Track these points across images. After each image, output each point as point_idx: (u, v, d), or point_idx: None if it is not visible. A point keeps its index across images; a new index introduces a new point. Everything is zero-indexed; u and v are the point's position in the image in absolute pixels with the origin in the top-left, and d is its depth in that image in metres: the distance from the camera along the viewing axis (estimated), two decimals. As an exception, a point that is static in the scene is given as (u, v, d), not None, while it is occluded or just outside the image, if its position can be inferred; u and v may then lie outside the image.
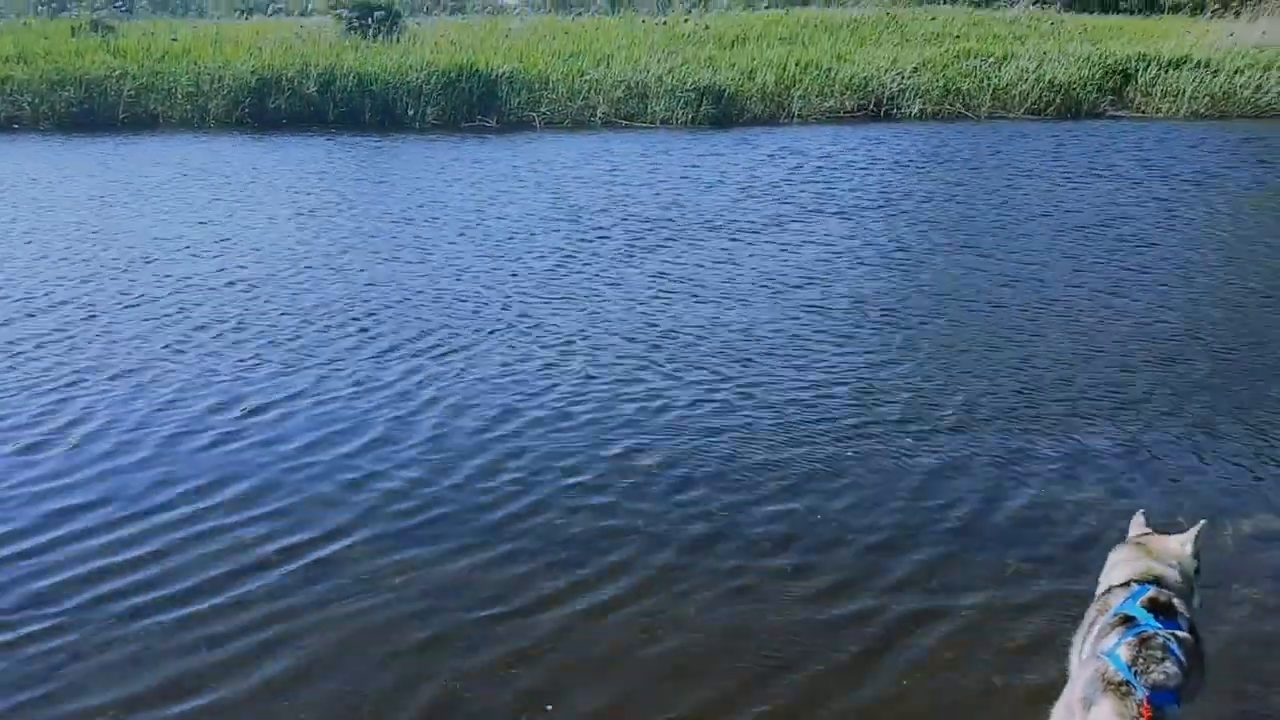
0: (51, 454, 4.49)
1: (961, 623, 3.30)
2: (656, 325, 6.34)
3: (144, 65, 15.71)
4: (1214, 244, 8.53)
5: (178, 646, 3.17)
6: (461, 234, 8.79)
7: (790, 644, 3.19)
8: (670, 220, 9.25)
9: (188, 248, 8.23)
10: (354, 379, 5.39)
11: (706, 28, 20.69)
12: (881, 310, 6.63)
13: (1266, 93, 17.43)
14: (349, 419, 4.87)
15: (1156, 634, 2.28)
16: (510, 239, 8.61)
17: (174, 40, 17.39)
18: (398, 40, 17.98)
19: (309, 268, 7.65)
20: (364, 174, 11.78)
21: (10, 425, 4.80)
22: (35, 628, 3.26)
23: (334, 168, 12.16)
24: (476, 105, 15.80)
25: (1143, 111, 17.55)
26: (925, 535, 3.85)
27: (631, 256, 8.02)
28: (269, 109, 15.41)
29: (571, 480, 4.25)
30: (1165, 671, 2.21)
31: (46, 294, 6.91)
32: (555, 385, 5.31)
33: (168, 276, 7.38)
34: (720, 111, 15.82)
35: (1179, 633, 2.32)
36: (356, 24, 18.28)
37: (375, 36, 17.80)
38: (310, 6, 28.03)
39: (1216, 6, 24.94)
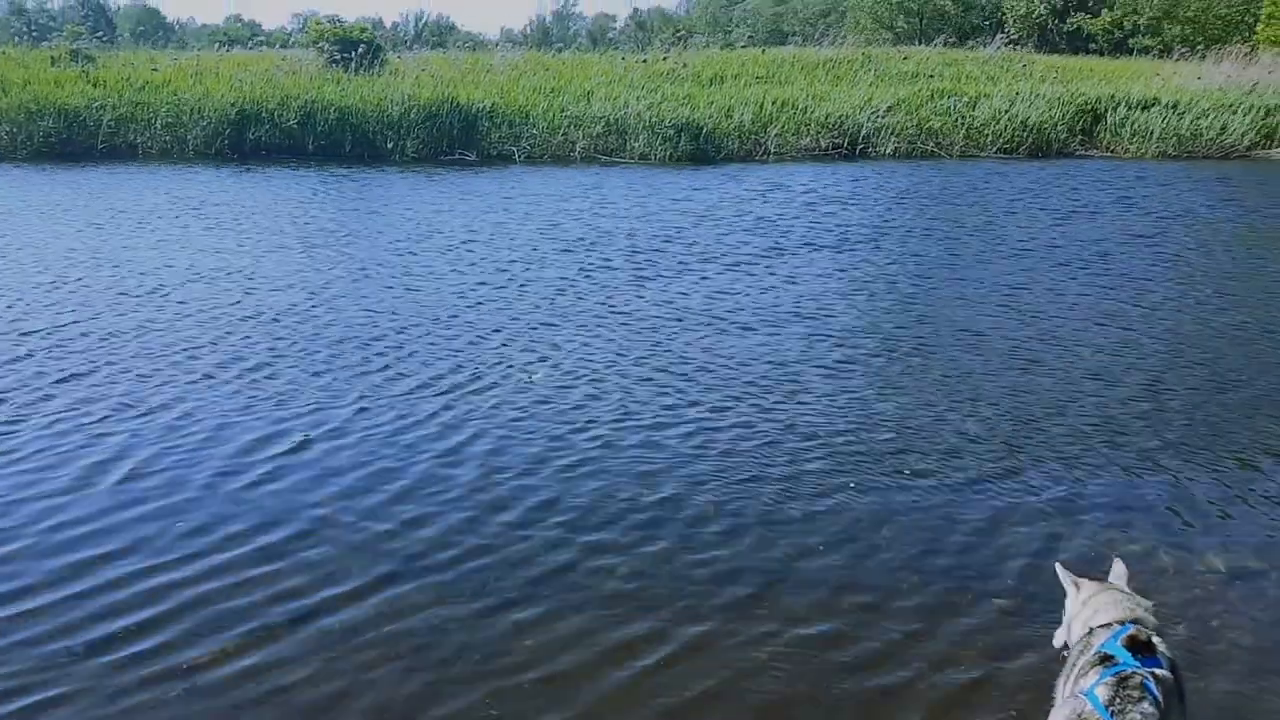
0: (82, 496, 4.32)
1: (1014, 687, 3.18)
2: (684, 358, 6.37)
3: (124, 96, 15.91)
4: (1197, 279, 8.77)
5: (204, 711, 3.03)
6: (471, 264, 8.86)
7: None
8: (672, 252, 9.45)
9: (199, 278, 8.17)
10: (391, 415, 5.28)
11: (685, 66, 21.17)
12: (914, 344, 6.75)
13: (1231, 133, 18.07)
14: (389, 458, 4.76)
15: (1135, 673, 2.30)
16: (520, 270, 8.68)
17: (154, 71, 17.61)
18: (379, 74, 18.27)
19: (326, 298, 7.63)
20: (357, 205, 11.94)
21: (38, 467, 4.59)
22: (60, 690, 3.10)
23: (326, 199, 12.32)
24: (457, 139, 16.09)
25: (1112, 151, 18.14)
26: (975, 594, 3.74)
27: (640, 287, 8.14)
28: (248, 140, 15.61)
29: (613, 530, 4.13)
30: (1142, 712, 2.21)
31: (67, 325, 6.81)
32: (593, 421, 5.24)
33: (186, 307, 7.30)
34: (698, 148, 16.19)
35: (1158, 670, 2.33)
36: (338, 57, 18.57)
37: (357, 70, 18.09)
38: (292, 40, 28.35)
39: (1184, 50, 25.80)
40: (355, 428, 5.12)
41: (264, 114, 15.70)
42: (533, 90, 17.78)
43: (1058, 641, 2.81)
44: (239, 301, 7.52)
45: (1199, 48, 25.69)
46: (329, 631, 3.41)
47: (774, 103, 17.45)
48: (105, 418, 5.18)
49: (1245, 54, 22.91)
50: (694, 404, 5.60)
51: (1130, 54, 30.71)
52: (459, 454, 4.85)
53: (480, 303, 7.64)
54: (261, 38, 27.75)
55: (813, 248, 9.91)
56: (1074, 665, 2.52)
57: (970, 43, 29.13)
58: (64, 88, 15.99)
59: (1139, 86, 20.21)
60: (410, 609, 3.55)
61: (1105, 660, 2.38)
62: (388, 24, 62.52)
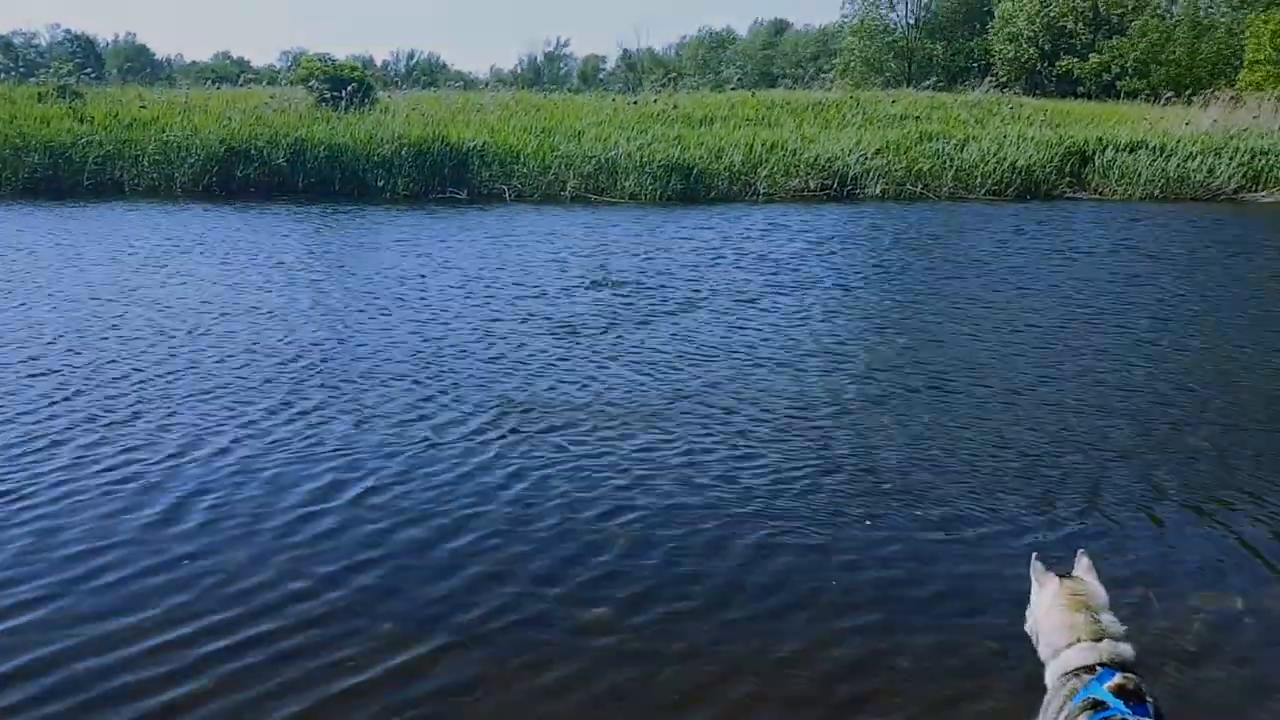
0: (147, 548, 4.20)
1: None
2: (735, 394, 6.44)
3: (111, 132, 16.09)
4: (1193, 319, 8.91)
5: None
6: (488, 300, 8.96)
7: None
8: (687, 289, 9.65)
9: (229, 315, 8.17)
10: (456, 457, 5.22)
11: (675, 107, 21.55)
12: (924, 380, 6.83)
13: (1217, 176, 18.48)
14: (457, 505, 4.67)
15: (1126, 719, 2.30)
16: (540, 305, 8.80)
17: (142, 108, 17.82)
18: (369, 112, 18.54)
19: (357, 333, 7.63)
20: (361, 241, 12.07)
21: (99, 515, 4.45)
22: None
23: (326, 236, 12.45)
24: (448, 177, 16.31)
25: (1100, 193, 18.49)
26: (963, 634, 3.73)
27: (654, 323, 8.30)
28: (237, 178, 15.77)
29: (679, 595, 3.97)
30: None
31: (112, 364, 6.75)
32: (659, 468, 5.15)
33: (229, 347, 7.27)
34: (689, 188, 16.46)
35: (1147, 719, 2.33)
36: (328, 95, 18.85)
37: (347, 108, 18.36)
38: (281, 77, 28.72)
39: (1170, 95, 26.45)
40: (417, 474, 5.04)
41: (253, 151, 15.89)
42: (523, 130, 18.07)
43: (1030, 628, 2.78)
44: (283, 340, 7.50)
45: (1185, 91, 26.33)
46: (391, 708, 3.25)
47: (764, 144, 17.77)
48: (165, 462, 5.11)
49: (1231, 99, 23.51)
50: (737, 435, 5.68)
51: (1118, 97, 31.44)
52: (530, 505, 4.73)
53: (504, 337, 7.73)
54: (250, 75, 28.10)
55: (820, 285, 10.11)
56: (1059, 711, 2.48)
57: (958, 86, 29.75)
58: (51, 124, 16.17)
59: (1126, 130, 20.67)
60: (472, 692, 3.36)
61: (1095, 706, 2.36)
62: (378, 62, 63.47)
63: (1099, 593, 2.67)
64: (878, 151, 18.09)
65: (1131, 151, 18.91)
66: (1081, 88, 35.11)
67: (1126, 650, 2.51)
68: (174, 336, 7.53)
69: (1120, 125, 21.72)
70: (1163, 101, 26.01)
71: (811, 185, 17.22)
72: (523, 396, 6.33)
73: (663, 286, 9.80)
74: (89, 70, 26.35)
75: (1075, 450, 5.69)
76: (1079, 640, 2.55)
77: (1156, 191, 18.27)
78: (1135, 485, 5.24)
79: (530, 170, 16.53)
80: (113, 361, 6.83)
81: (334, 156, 16.06)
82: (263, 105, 18.59)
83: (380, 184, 16.12)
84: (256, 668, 3.42)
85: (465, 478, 5.01)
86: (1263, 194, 18.62)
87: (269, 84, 25.96)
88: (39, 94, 18.67)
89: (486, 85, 33.37)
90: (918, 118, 21.94)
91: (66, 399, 6.03)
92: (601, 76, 70.10)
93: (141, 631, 3.60)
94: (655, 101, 22.64)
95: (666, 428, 5.84)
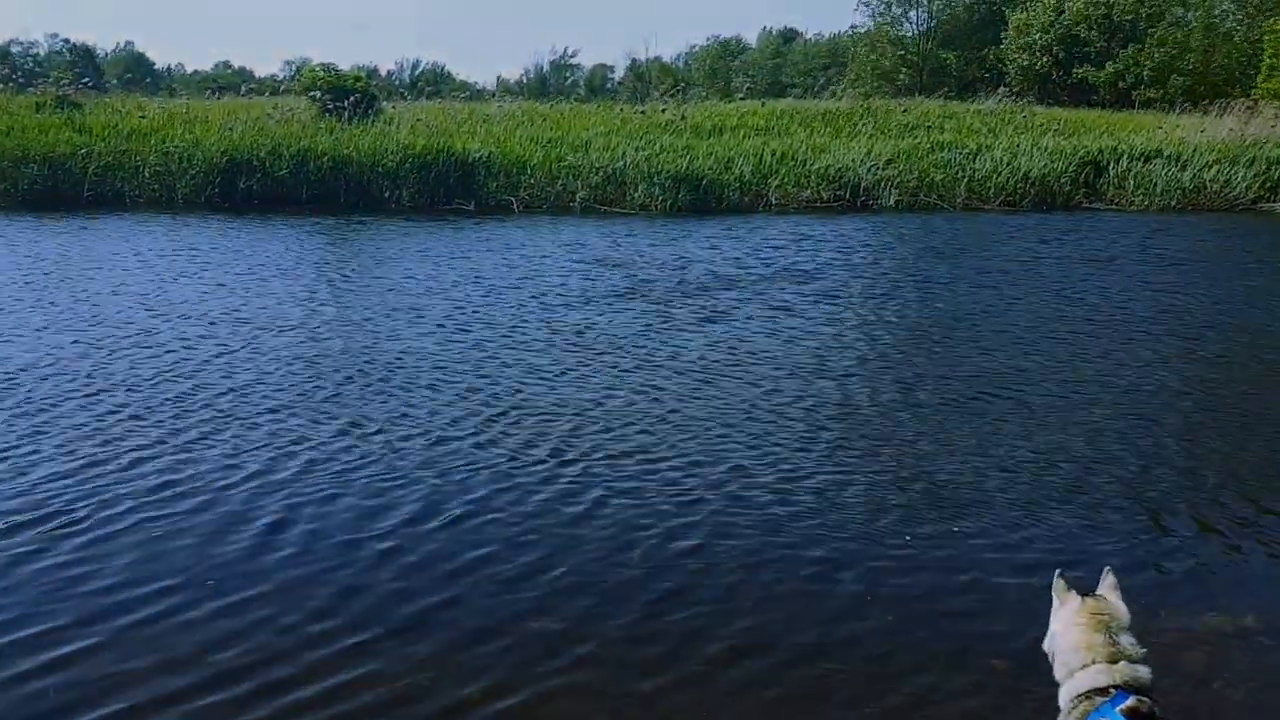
0: (242, 576, 4.21)
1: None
2: (789, 405, 6.54)
3: (111, 143, 16.15)
4: (1220, 330, 9.00)
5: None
6: (516, 311, 9.06)
7: None
8: (725, 300, 9.81)
9: (280, 330, 8.19)
10: (526, 489, 5.14)
11: (684, 117, 21.63)
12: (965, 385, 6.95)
13: (1235, 186, 18.47)
14: (524, 534, 4.63)
15: None
16: (580, 317, 8.91)
17: (143, 118, 17.90)
18: (373, 123, 18.62)
19: (402, 356, 7.54)
20: (381, 255, 12.13)
21: (194, 541, 4.47)
22: None
23: (345, 249, 12.55)
24: (454, 189, 16.36)
25: (1116, 203, 18.50)
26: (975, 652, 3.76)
27: (701, 332, 8.48)
28: (239, 190, 15.82)
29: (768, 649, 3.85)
30: None
31: (176, 380, 6.80)
32: (743, 499, 5.08)
33: (289, 363, 7.29)
34: (698, 199, 16.49)
35: None
36: (331, 106, 18.94)
37: (351, 119, 18.44)
38: (283, 87, 28.91)
39: (1186, 103, 26.48)
40: (501, 499, 5.02)
41: (255, 163, 15.94)
42: (530, 140, 18.14)
43: (1048, 646, 2.76)
44: (342, 354, 7.57)
45: (1202, 100, 26.35)
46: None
47: (774, 154, 17.83)
48: (244, 485, 5.11)
49: (1247, 107, 23.52)
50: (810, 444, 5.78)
51: (1133, 106, 31.47)
52: (623, 545, 4.65)
53: (550, 348, 7.84)
54: (252, 85, 28.30)
55: (857, 295, 10.27)
56: None
57: (971, 95, 29.82)
58: (49, 134, 16.23)
59: (1141, 139, 20.69)
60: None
61: None
62: (383, 72, 63.86)
63: (1121, 612, 2.64)
64: (889, 161, 18.12)
65: (1146, 161, 18.93)
66: (1095, 96, 35.16)
67: (1143, 672, 2.48)
68: (233, 351, 7.57)
69: (1135, 134, 21.75)
70: (1178, 110, 26.04)
71: (823, 196, 17.24)
72: (596, 412, 6.35)
73: (700, 295, 9.96)
74: (87, 80, 26.53)
75: (1117, 461, 5.72)
76: (1094, 661, 2.53)
77: (1173, 202, 18.27)
78: (1178, 497, 5.24)
79: (538, 181, 16.58)
80: (172, 377, 6.86)
81: (338, 168, 16.11)
82: (265, 116, 18.68)
83: (385, 195, 16.17)
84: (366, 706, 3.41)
85: (553, 503, 4.98)
86: (1280, 203, 18.62)
87: (271, 94, 26.09)
88: (37, 104, 18.78)
89: (492, 95, 33.56)
90: (929, 127, 22.00)
91: (135, 418, 6.07)
92: (609, 86, 70.43)
93: (253, 659, 3.63)
94: (663, 111, 22.73)
95: (727, 440, 5.90)
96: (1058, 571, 2.78)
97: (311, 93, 19.75)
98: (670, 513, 4.91)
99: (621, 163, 16.81)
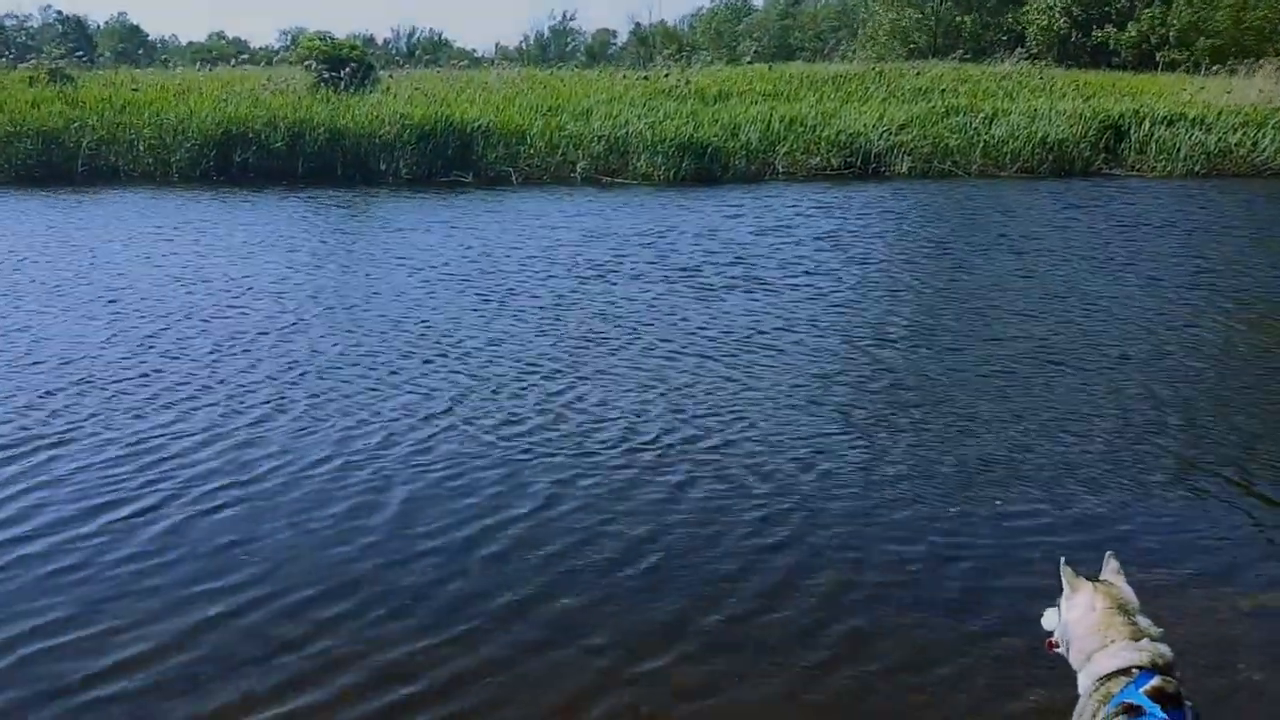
0: (331, 563, 4.25)
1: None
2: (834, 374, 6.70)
3: (104, 117, 16.16)
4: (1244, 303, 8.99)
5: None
6: (552, 285, 9.22)
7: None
8: (761, 270, 9.95)
9: (332, 307, 8.39)
10: (606, 469, 5.15)
11: (689, 83, 21.47)
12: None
13: (1262, 151, 18.23)
14: (614, 518, 4.64)
15: None
16: (628, 289, 9.06)
17: (135, 91, 17.89)
18: (370, 92, 18.56)
19: (451, 331, 7.66)
20: (385, 227, 12.28)
21: (284, 521, 4.55)
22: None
23: (348, 222, 12.67)
24: (452, 159, 16.32)
25: (1138, 170, 18.29)
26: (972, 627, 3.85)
27: (769, 303, 8.67)
28: (234, 163, 15.84)
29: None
30: None
31: (250, 355, 6.99)
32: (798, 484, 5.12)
33: (357, 343, 7.38)
34: (704, 167, 16.40)
35: None
36: (327, 76, 18.87)
37: (347, 89, 18.38)
38: (278, 57, 28.81)
39: (1214, 65, 26.08)
40: (579, 485, 5.01)
41: (250, 135, 15.94)
42: (530, 108, 18.05)
43: (1047, 623, 2.80)
44: (397, 330, 7.69)
45: (1230, 62, 25.95)
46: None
47: (782, 120, 17.68)
48: (322, 467, 5.17)
49: (1278, 68, 23.15)
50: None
51: (1156, 68, 31.03)
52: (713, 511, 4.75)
53: (599, 322, 7.97)
54: (246, 55, 28.21)
55: (892, 264, 10.45)
56: (1093, 716, 2.48)
57: (986, 58, 29.47)
58: (41, 109, 16.26)
59: (1164, 102, 20.43)
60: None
61: (1130, 710, 2.36)
62: (379, 40, 63.51)
63: (1129, 595, 2.66)
64: (902, 127, 17.96)
65: (1169, 125, 18.67)
66: (1116, 58, 34.67)
67: (1165, 651, 2.50)
68: (278, 326, 7.73)
69: (1158, 97, 21.46)
70: (1203, 72, 25.66)
71: (834, 163, 17.13)
72: (661, 388, 6.43)
73: (733, 267, 10.09)
74: (80, 53, 26.50)
75: (1159, 432, 5.79)
76: (1113, 642, 2.55)
77: (1196, 167, 18.04)
78: (1212, 468, 5.28)
79: (538, 151, 16.52)
80: (238, 351, 7.04)
81: (335, 139, 16.09)
82: (260, 87, 18.64)
83: (383, 168, 16.15)
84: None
85: (630, 488, 4.99)
86: (1311, 168, 18.38)
87: (266, 65, 26.01)
88: (30, 78, 18.77)
89: (491, 62, 33.38)
90: (943, 91, 21.75)
91: (207, 389, 6.25)
92: (611, 51, 69.90)
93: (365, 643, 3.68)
94: (667, 77, 22.57)
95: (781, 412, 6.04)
96: (1062, 560, 2.80)
97: (307, 62, 19.69)
98: (753, 490, 5.00)
99: (624, 131, 16.72)
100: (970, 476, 5.17)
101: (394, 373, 6.70)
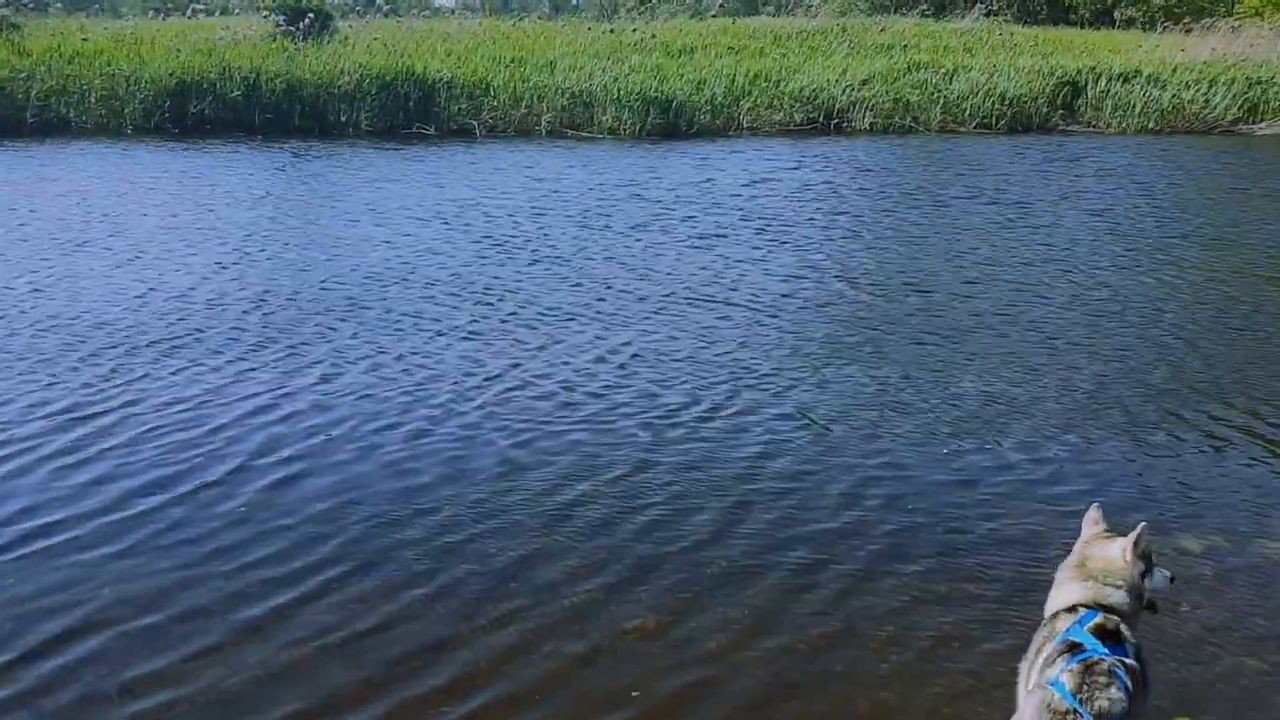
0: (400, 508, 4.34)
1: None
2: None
3: (53, 67, 15.66)
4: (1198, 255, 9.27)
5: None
6: (569, 241, 9.27)
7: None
8: (765, 225, 10.07)
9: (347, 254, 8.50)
10: (673, 434, 5.15)
11: (653, 36, 21.24)
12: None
13: (1214, 108, 18.50)
14: (693, 488, 4.62)
15: (1103, 660, 2.37)
16: (638, 244, 9.17)
17: (85, 40, 17.33)
18: (329, 43, 18.15)
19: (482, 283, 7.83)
20: (358, 179, 12.15)
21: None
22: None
23: (324, 174, 12.57)
24: (414, 111, 16.07)
25: (1093, 126, 18.49)
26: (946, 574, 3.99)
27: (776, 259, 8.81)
28: (190, 114, 15.48)
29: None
30: (1110, 698, 2.29)
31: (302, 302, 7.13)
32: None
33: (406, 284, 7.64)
34: (669, 122, 16.32)
35: (1126, 659, 2.41)
36: (284, 26, 18.39)
37: (305, 39, 17.95)
38: (233, 7, 27.99)
39: (1168, 23, 26.28)
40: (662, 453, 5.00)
41: (205, 86, 15.57)
42: (492, 60, 17.77)
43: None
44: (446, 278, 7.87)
45: (1184, 19, 26.17)
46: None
47: (746, 75, 17.59)
48: (375, 426, 5.18)
49: (1231, 28, 23.41)
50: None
51: (1113, 25, 31.22)
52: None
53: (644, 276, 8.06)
54: (202, 5, 27.34)
55: (872, 218, 10.67)
56: (1039, 652, 2.59)
57: (947, 13, 29.45)
58: (-13, 58, 15.71)
59: (1120, 59, 20.59)
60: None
61: (1072, 648, 2.45)
62: (335, -11, 61.64)
63: (1106, 538, 2.78)
64: (865, 83, 17.96)
65: (1125, 81, 18.85)
66: (1075, 15, 34.80)
67: (1112, 593, 2.61)
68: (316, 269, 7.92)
69: (1114, 54, 21.63)
70: (1158, 29, 25.87)
71: (797, 118, 17.11)
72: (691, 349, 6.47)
73: (729, 221, 10.20)
74: (27, 1, 25.49)
75: (1118, 383, 5.96)
76: (1069, 581, 2.70)
77: (1150, 123, 18.26)
78: (1125, 416, 5.46)
79: (501, 103, 16.31)
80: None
81: (292, 90, 15.77)
82: (215, 37, 18.11)
83: (343, 119, 15.87)
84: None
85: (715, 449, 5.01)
86: (1260, 125, 18.68)
87: (221, 14, 25.25)
88: (-26, 26, 18.08)
89: (452, 12, 32.72)
90: (906, 46, 21.74)
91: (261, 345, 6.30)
92: (575, 3, 68.69)
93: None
94: (633, 30, 22.29)
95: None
96: (1095, 504, 2.93)
97: (264, 12, 19.16)
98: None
99: (589, 84, 16.55)
100: (961, 418, 5.37)
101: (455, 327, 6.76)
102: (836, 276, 8.26)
